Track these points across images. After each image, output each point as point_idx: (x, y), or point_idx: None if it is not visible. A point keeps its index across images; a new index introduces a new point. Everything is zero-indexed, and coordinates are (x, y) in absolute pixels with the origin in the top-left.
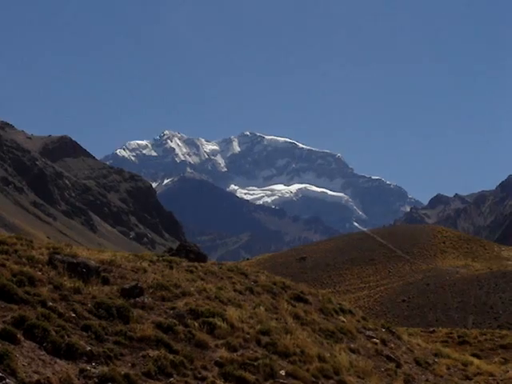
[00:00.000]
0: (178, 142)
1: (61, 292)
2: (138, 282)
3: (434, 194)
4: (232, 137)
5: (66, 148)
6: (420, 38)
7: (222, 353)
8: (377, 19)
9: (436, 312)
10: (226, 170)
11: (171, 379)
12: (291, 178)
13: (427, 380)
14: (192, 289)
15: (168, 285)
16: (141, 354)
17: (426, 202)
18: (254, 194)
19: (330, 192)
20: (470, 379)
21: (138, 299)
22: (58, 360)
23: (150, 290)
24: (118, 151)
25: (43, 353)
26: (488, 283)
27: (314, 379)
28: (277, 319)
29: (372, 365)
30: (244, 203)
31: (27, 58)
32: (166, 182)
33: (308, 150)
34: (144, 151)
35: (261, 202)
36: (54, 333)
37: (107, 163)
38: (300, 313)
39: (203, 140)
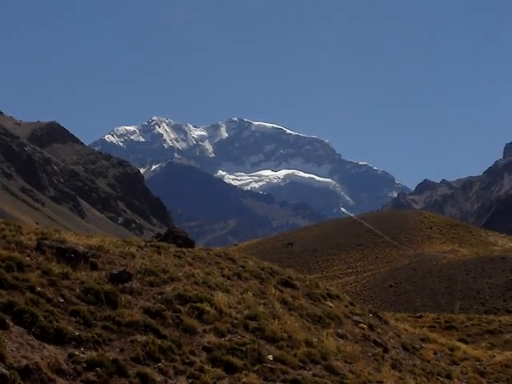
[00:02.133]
0: (165, 127)
1: (49, 277)
2: (127, 267)
3: (421, 180)
4: (220, 122)
5: (54, 134)
6: (410, 20)
7: (210, 338)
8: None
9: (423, 297)
10: (213, 155)
11: (159, 364)
12: (279, 163)
13: (414, 365)
14: (180, 274)
15: (156, 270)
16: (129, 339)
17: (413, 187)
18: (241, 179)
19: (317, 177)
20: (457, 364)
21: (126, 284)
22: (46, 345)
23: (138, 276)
24: (106, 137)
25: (32, 338)
26: (475, 268)
27: (301, 364)
28: (264, 304)
29: (359, 350)
30: (232, 189)
31: (14, 44)
32: (153, 167)
33: (295, 135)
34: (132, 137)
35: (248, 188)
36: (42, 318)
37: (95, 149)
38: (287, 298)
39: (191, 126)
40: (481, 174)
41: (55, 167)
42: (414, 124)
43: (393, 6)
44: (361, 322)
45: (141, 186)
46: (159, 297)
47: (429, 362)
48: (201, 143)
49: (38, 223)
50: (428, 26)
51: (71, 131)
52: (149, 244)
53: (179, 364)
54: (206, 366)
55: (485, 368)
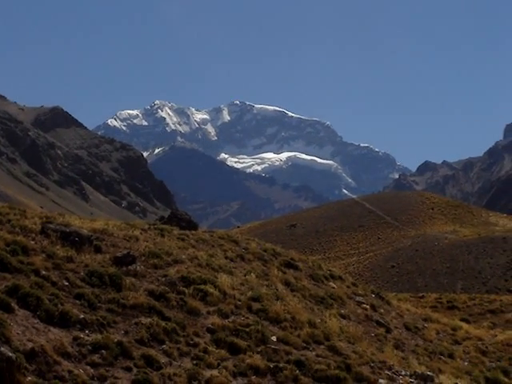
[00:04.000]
0: (168, 111)
1: (54, 261)
2: (130, 250)
3: (422, 161)
4: (222, 106)
5: (57, 118)
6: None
7: (214, 319)
8: None
9: (425, 277)
10: (216, 138)
11: (164, 346)
12: (281, 146)
13: (417, 345)
14: (183, 256)
15: (160, 253)
16: (133, 322)
17: (414, 168)
18: (244, 162)
19: (319, 160)
20: (459, 344)
21: (130, 267)
22: (51, 328)
23: (142, 258)
24: (109, 121)
25: (37, 321)
26: (476, 248)
27: (304, 344)
28: (267, 286)
29: (362, 330)
30: (234, 171)
31: (17, 30)
32: (156, 151)
33: (297, 118)
34: (135, 121)
35: (251, 171)
36: (47, 301)
37: (99, 133)
38: (290, 279)
39: (193, 109)
40: (481, 154)
41: (59, 152)
42: (415, 105)
43: None
44: (363, 303)
45: (144, 169)
46: (163, 279)
47: (431, 341)
48: (203, 126)
49: (42, 207)
50: (431, 9)
51: (75, 116)
52: (152, 227)
53: (183, 345)
54: (210, 348)
55: (487, 347)
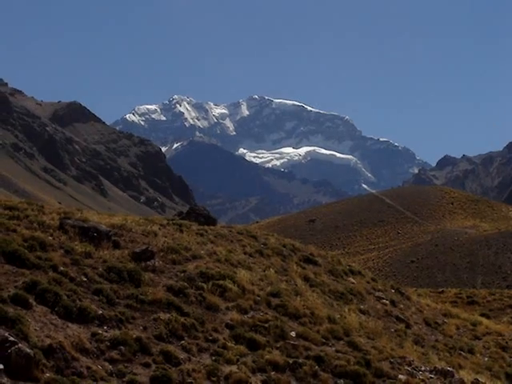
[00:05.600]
0: (186, 106)
1: (72, 256)
2: (149, 245)
3: (442, 156)
4: (240, 100)
5: (75, 113)
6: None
7: (233, 315)
8: None
9: (445, 272)
10: (234, 133)
11: (182, 342)
12: (300, 140)
13: (437, 340)
14: (202, 252)
15: (178, 248)
16: (152, 317)
17: (433, 163)
18: (262, 157)
19: (338, 154)
20: (479, 339)
21: (148, 263)
22: (69, 324)
23: (161, 254)
24: (127, 116)
25: (55, 317)
26: (496, 243)
27: (324, 340)
28: (287, 281)
29: (382, 325)
30: (253, 166)
31: (36, 26)
32: (175, 146)
33: (316, 112)
34: (153, 116)
35: (270, 165)
36: (65, 297)
37: (117, 128)
38: (309, 274)
39: (212, 104)
40: (501, 149)
41: (77, 147)
42: (435, 99)
43: None
44: (383, 298)
45: (162, 164)
46: (182, 275)
47: (451, 337)
48: (222, 121)
49: (60, 203)
50: (448, 3)
51: (92, 111)
52: (171, 222)
53: (202, 341)
54: (229, 343)
55: (507, 342)
